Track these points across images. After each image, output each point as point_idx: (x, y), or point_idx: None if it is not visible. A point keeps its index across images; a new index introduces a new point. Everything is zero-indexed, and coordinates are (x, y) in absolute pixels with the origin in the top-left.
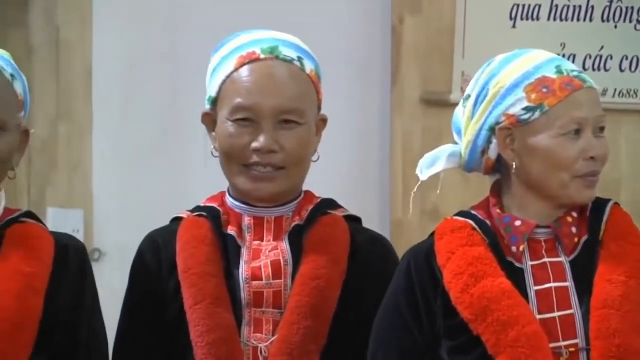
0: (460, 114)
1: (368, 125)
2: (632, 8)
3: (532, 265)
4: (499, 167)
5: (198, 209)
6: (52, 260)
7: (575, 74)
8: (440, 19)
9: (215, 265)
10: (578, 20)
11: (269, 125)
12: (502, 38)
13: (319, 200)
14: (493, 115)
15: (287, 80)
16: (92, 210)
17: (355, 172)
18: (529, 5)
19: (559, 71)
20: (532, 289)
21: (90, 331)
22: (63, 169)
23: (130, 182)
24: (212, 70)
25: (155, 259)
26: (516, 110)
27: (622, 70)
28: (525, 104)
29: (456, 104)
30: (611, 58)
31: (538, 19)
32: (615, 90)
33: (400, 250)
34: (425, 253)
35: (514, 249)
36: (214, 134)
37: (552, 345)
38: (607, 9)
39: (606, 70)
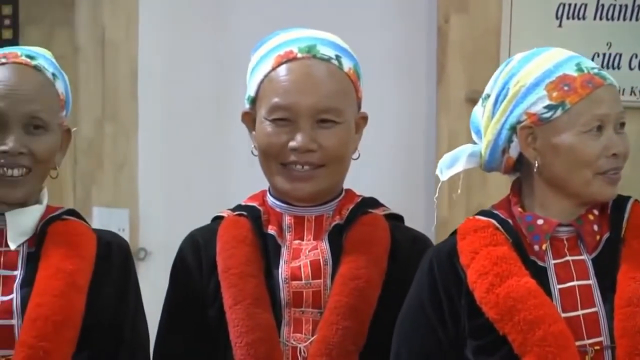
0: (479, 113)
1: (414, 124)
2: None
3: (554, 264)
4: (518, 166)
5: (239, 207)
6: (94, 257)
7: (596, 71)
8: (486, 17)
9: (255, 265)
10: (624, 19)
11: (306, 124)
12: (547, 37)
13: (359, 199)
14: (514, 114)
15: (324, 79)
16: (138, 209)
17: (401, 171)
18: (575, 5)
19: (580, 69)
20: (556, 287)
21: (133, 330)
22: (108, 168)
23: (175, 181)
24: (251, 69)
25: (195, 259)
26: (537, 108)
27: None
28: (547, 102)
29: None
30: None
31: (584, 18)
32: None
33: None
34: (447, 252)
35: (536, 247)
36: (254, 133)
37: (577, 343)
38: None
39: None
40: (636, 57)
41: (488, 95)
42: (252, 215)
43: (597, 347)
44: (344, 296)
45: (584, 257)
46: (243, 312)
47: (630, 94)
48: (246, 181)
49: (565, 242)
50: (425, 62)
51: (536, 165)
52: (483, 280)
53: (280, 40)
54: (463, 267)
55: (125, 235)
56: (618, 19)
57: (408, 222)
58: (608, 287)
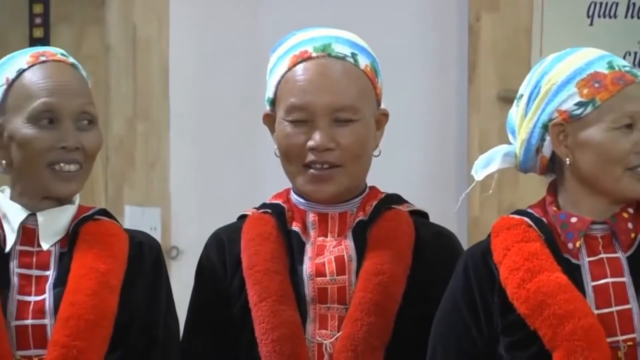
0: (514, 113)
1: (445, 123)
2: None
3: (589, 261)
4: (553, 166)
5: (263, 205)
6: (126, 257)
7: (627, 69)
8: (517, 16)
9: (280, 262)
10: None
11: (323, 123)
12: (579, 36)
13: (383, 195)
14: (546, 112)
15: (339, 77)
16: (170, 208)
17: (433, 170)
18: (606, 3)
19: (611, 66)
20: (589, 284)
21: (165, 329)
22: (140, 167)
23: (207, 179)
24: (270, 70)
25: (219, 257)
26: (568, 105)
27: None
28: (577, 99)
29: None
30: None
31: (615, 16)
32: None
33: None
34: (481, 252)
35: (570, 245)
36: (275, 134)
37: (609, 339)
38: None
39: None
40: None
41: (522, 95)
42: (276, 212)
43: (629, 343)
44: (368, 292)
45: (618, 255)
46: (268, 309)
47: None
48: (276, 180)
49: (599, 240)
50: (456, 61)
51: (568, 163)
52: (514, 275)
53: (296, 40)
54: (496, 264)
55: (157, 234)
56: None
57: (439, 221)
58: None
